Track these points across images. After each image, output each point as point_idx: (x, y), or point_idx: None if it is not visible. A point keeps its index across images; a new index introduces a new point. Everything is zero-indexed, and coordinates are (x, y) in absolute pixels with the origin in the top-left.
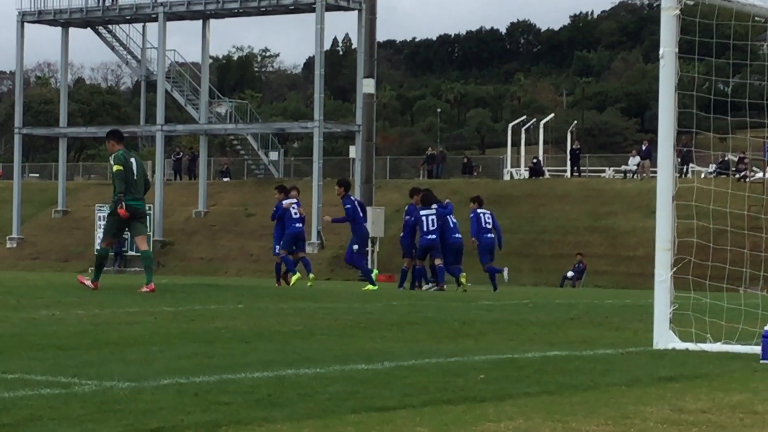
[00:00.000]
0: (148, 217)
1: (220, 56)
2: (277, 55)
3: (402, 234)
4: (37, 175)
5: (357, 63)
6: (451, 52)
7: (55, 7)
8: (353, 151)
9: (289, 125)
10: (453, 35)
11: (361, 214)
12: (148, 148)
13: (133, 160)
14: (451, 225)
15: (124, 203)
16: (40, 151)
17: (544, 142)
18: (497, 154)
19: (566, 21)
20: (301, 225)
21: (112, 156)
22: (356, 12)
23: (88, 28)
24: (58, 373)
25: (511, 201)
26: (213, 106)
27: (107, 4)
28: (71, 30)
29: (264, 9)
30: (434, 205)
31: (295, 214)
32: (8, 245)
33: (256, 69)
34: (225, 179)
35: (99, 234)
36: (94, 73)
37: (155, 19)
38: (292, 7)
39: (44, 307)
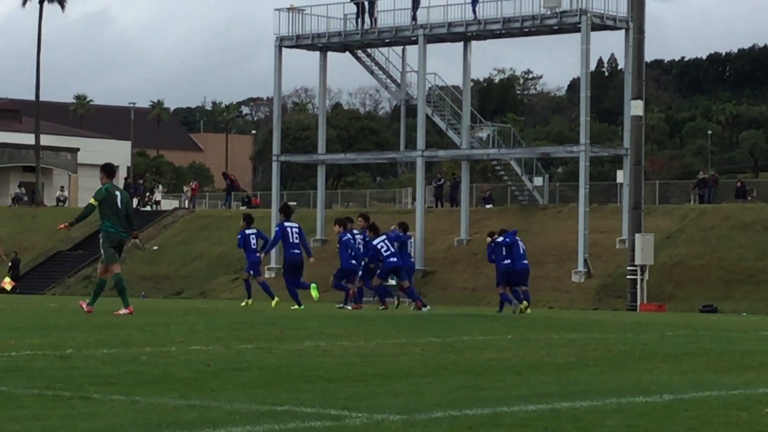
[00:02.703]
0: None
1: (481, 79)
2: (540, 77)
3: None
4: (295, 203)
5: (624, 84)
6: (722, 72)
7: (313, 31)
8: (620, 176)
9: (554, 149)
10: (724, 53)
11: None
12: (408, 175)
13: (117, 193)
14: (521, 252)
15: (68, 224)
16: (298, 179)
17: None
18: None
19: None
20: (299, 251)
21: (97, 189)
22: (623, 31)
23: (347, 52)
24: (327, 405)
25: None
26: (474, 131)
27: (366, 27)
28: (329, 54)
29: (527, 30)
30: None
31: (295, 239)
32: (267, 275)
33: (518, 91)
34: (488, 206)
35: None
36: (351, 98)
37: (415, 42)
38: (557, 28)
39: (308, 338)
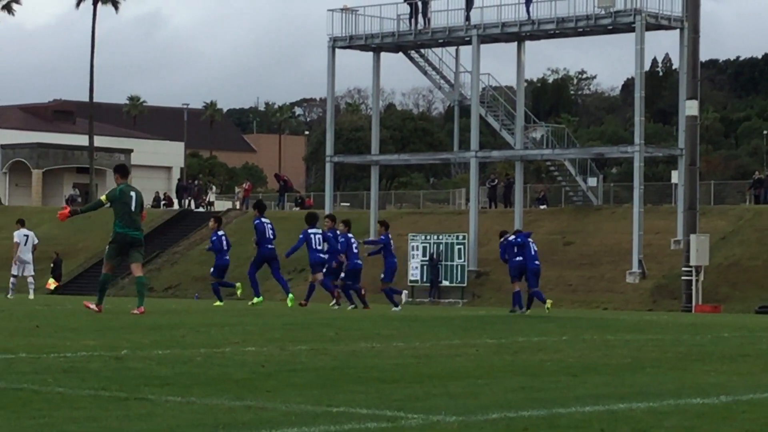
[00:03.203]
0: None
1: (535, 79)
2: (594, 77)
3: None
4: (348, 204)
5: (678, 84)
6: None
7: (366, 32)
8: (675, 176)
9: (608, 150)
10: None
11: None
12: (461, 175)
13: (132, 194)
14: (532, 252)
15: (70, 208)
16: (351, 180)
17: None
18: None
19: None
20: (273, 246)
21: (111, 189)
22: (678, 31)
23: (400, 53)
24: (383, 406)
25: None
26: (528, 131)
27: (419, 27)
28: (382, 54)
29: (581, 30)
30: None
31: (270, 235)
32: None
33: (572, 92)
34: (542, 206)
35: (412, 264)
36: (404, 98)
37: (468, 42)
38: (611, 28)
39: (363, 339)
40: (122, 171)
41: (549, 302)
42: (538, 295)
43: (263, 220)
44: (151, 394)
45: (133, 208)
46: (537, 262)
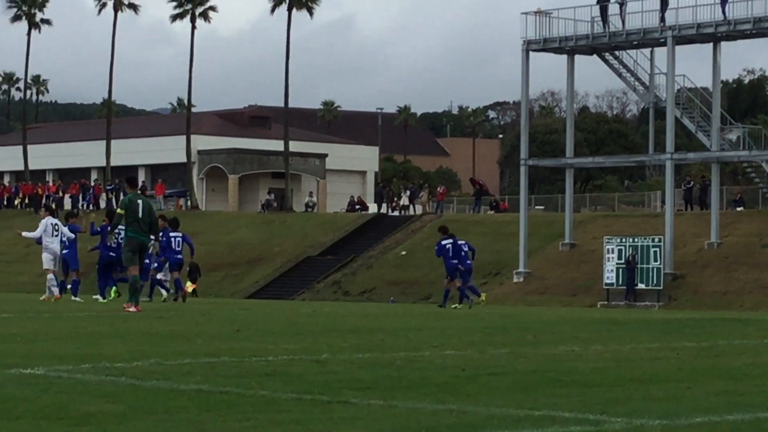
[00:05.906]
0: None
1: (730, 80)
2: None
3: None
4: (543, 207)
5: None
6: None
7: (560, 34)
8: None
9: None
10: None
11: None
12: (656, 178)
13: (139, 201)
14: (463, 254)
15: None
16: (545, 183)
17: None
18: None
19: None
20: (181, 256)
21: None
22: None
23: (594, 55)
24: (585, 410)
25: None
26: (724, 133)
27: (614, 29)
28: (576, 57)
29: None
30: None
31: (178, 246)
32: (515, 279)
33: None
34: (738, 208)
35: (607, 267)
36: (598, 101)
37: (663, 44)
38: None
39: (561, 342)
40: (131, 182)
41: (484, 295)
42: (473, 289)
43: (172, 234)
44: (353, 398)
45: (140, 215)
46: (469, 262)
